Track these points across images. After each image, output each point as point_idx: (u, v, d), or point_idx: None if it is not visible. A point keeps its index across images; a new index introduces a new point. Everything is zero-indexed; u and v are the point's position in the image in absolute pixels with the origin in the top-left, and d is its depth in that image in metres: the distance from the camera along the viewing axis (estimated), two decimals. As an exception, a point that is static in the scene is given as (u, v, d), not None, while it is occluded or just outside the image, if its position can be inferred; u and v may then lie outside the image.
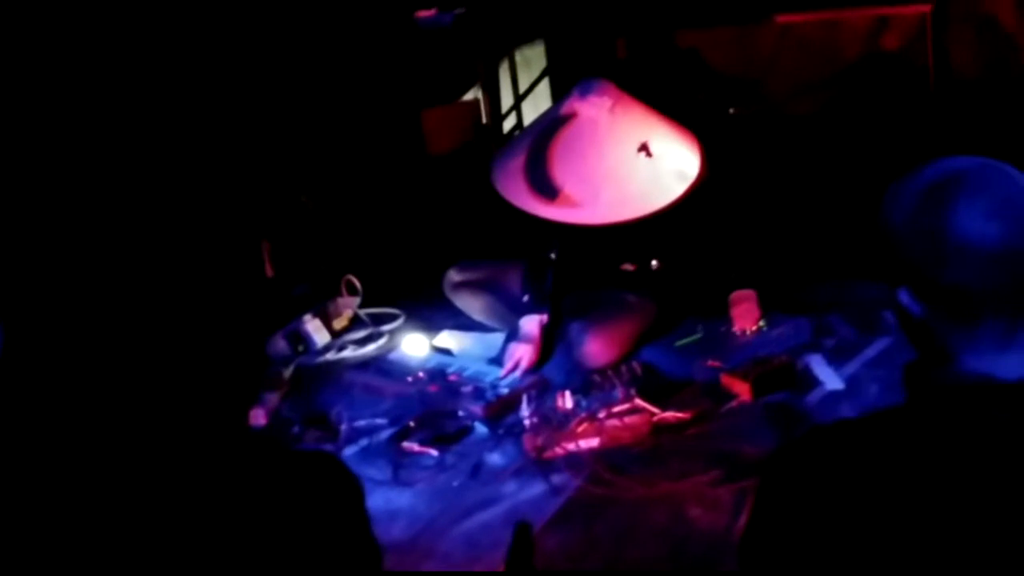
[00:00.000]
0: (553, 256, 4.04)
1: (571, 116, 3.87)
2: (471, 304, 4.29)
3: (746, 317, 3.88)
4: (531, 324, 3.92)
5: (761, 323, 3.88)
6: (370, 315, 4.46)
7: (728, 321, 3.91)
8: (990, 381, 1.30)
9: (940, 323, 1.34)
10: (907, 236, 1.35)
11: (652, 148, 3.79)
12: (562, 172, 3.81)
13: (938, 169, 1.37)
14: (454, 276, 4.35)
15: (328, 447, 3.45)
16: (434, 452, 3.37)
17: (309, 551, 1.36)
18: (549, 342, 3.93)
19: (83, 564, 1.30)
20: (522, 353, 3.82)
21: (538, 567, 2.70)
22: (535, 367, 3.83)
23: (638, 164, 3.79)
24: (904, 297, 1.36)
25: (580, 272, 4.10)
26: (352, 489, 1.45)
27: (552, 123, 3.92)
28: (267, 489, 1.38)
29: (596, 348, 3.76)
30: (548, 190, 3.79)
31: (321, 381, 4.03)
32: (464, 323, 4.27)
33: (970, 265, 1.29)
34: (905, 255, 1.35)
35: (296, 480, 1.40)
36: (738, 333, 3.87)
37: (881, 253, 1.40)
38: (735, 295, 3.93)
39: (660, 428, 3.34)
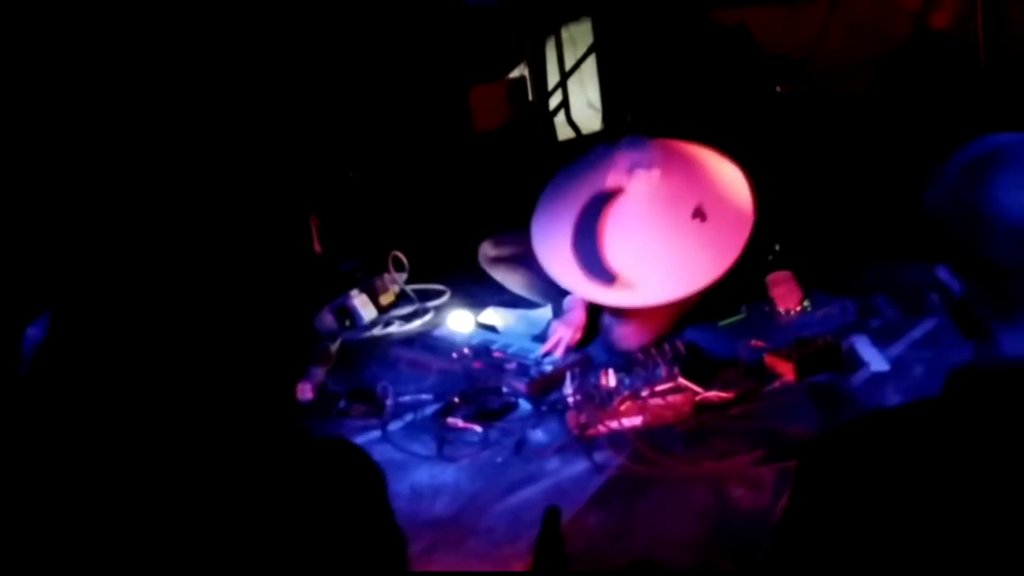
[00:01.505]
0: None
1: (617, 192, 3.68)
2: (509, 279, 4.28)
3: (788, 298, 3.88)
4: (576, 302, 3.93)
5: (805, 303, 3.87)
6: (416, 291, 4.50)
7: (771, 301, 3.90)
8: None
9: (979, 303, 1.34)
10: (947, 214, 1.34)
11: (706, 208, 3.63)
12: (617, 256, 3.64)
13: (978, 146, 1.36)
14: (489, 250, 4.34)
15: (373, 422, 3.50)
16: (478, 428, 3.40)
17: (331, 542, 1.36)
18: (593, 321, 3.94)
19: (104, 535, 1.32)
20: (564, 332, 3.83)
21: (579, 545, 2.73)
22: (579, 345, 3.84)
23: (695, 231, 3.64)
24: (943, 274, 1.36)
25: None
26: (374, 479, 1.45)
27: (598, 199, 3.72)
28: (288, 480, 1.38)
29: (627, 331, 3.77)
30: (604, 276, 3.64)
31: (367, 356, 4.07)
32: (509, 300, 4.29)
33: (1008, 240, 1.28)
34: (945, 234, 1.35)
35: (317, 471, 1.40)
36: (782, 313, 3.86)
37: (923, 234, 1.39)
38: (772, 277, 3.91)
39: (703, 407, 3.35)
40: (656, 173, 3.66)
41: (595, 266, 3.64)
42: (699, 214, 3.63)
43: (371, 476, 1.45)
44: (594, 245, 3.65)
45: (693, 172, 3.79)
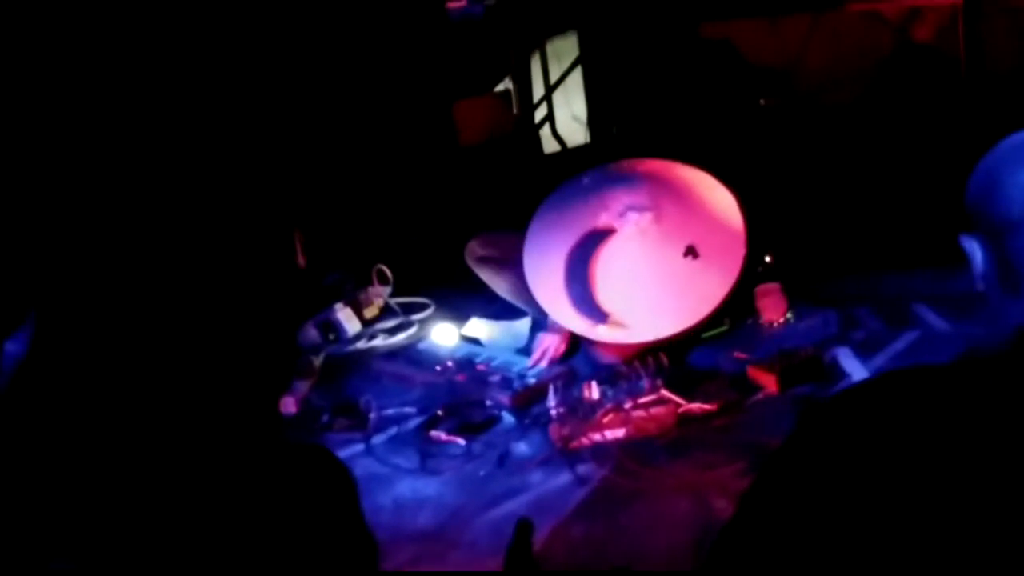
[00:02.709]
0: None
1: (609, 232, 3.70)
2: (495, 281, 4.26)
3: (773, 309, 3.89)
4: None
5: (788, 315, 3.88)
6: (400, 304, 4.50)
7: (755, 313, 3.91)
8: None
9: (997, 281, 1.34)
10: (981, 203, 1.35)
11: (698, 246, 3.64)
12: (608, 296, 3.67)
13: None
14: (477, 249, 4.32)
15: (357, 435, 3.50)
16: (461, 441, 3.40)
17: (301, 547, 1.36)
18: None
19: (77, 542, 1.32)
20: (550, 343, 3.84)
21: (561, 557, 2.74)
22: (563, 358, 3.85)
23: (687, 270, 3.64)
24: (965, 243, 1.36)
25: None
26: (345, 484, 1.45)
27: (590, 239, 3.73)
28: (260, 484, 1.38)
29: (608, 346, 3.77)
30: (596, 315, 3.65)
31: (351, 370, 4.07)
32: (493, 312, 4.29)
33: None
34: (978, 214, 1.35)
35: (289, 476, 1.40)
36: (765, 325, 3.88)
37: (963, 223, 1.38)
38: (760, 288, 3.93)
39: (686, 419, 3.35)
40: (648, 216, 3.68)
41: (586, 305, 3.66)
42: (691, 252, 3.64)
43: (342, 480, 1.45)
44: (586, 285, 3.68)
45: (685, 209, 3.78)
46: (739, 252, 3.66)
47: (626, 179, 3.83)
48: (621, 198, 3.73)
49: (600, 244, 3.71)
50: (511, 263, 4.11)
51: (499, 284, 4.25)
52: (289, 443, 1.46)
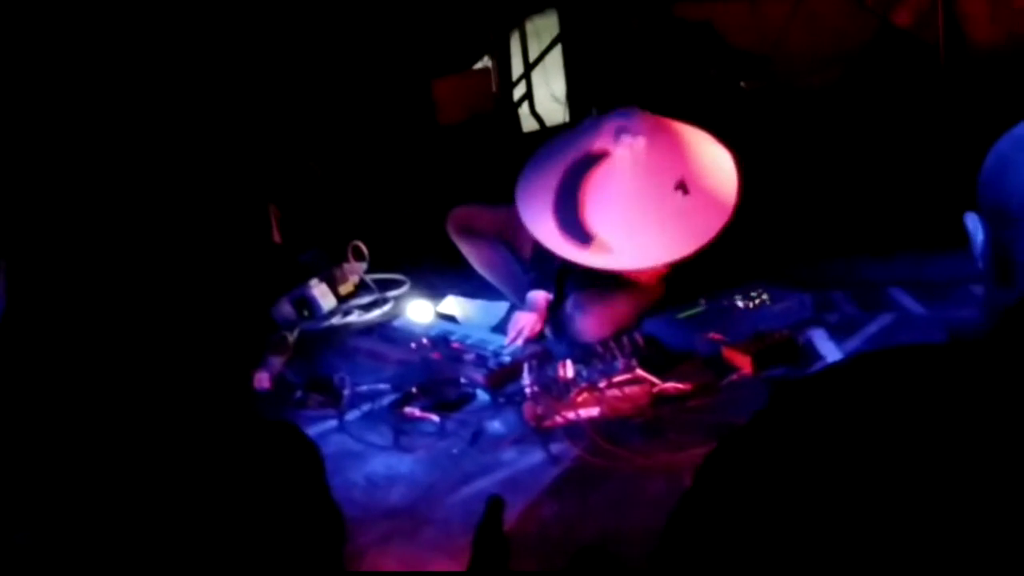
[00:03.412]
0: None
1: (603, 156, 3.66)
2: (473, 255, 4.26)
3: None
4: (538, 294, 3.93)
5: (764, 296, 3.89)
6: (376, 281, 4.48)
7: (730, 295, 3.91)
8: None
9: (991, 266, 1.34)
10: (988, 187, 1.35)
11: (689, 183, 3.62)
12: (595, 218, 3.63)
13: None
14: (461, 218, 4.31)
15: (330, 412, 3.49)
16: (435, 419, 3.39)
17: (266, 522, 1.35)
18: (553, 313, 3.94)
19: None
20: (526, 322, 3.83)
21: (532, 536, 2.73)
22: (538, 337, 3.84)
23: (676, 204, 3.62)
24: (970, 221, 1.35)
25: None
26: (312, 460, 1.44)
27: (583, 161, 3.70)
28: (227, 460, 1.37)
29: (590, 324, 3.77)
30: (581, 236, 3.63)
31: (325, 346, 4.06)
32: (469, 290, 4.28)
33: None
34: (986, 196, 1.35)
35: (256, 452, 1.39)
36: (741, 307, 3.89)
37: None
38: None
39: (660, 399, 3.35)
40: (642, 141, 3.65)
41: (573, 226, 3.64)
42: (681, 187, 3.61)
43: (309, 457, 1.44)
44: (574, 206, 3.65)
45: (680, 146, 3.78)
46: (729, 201, 3.65)
47: (625, 113, 3.80)
48: (618, 123, 3.70)
49: (593, 167, 3.68)
50: (494, 239, 4.11)
51: (477, 257, 4.23)
52: (259, 419, 1.45)
